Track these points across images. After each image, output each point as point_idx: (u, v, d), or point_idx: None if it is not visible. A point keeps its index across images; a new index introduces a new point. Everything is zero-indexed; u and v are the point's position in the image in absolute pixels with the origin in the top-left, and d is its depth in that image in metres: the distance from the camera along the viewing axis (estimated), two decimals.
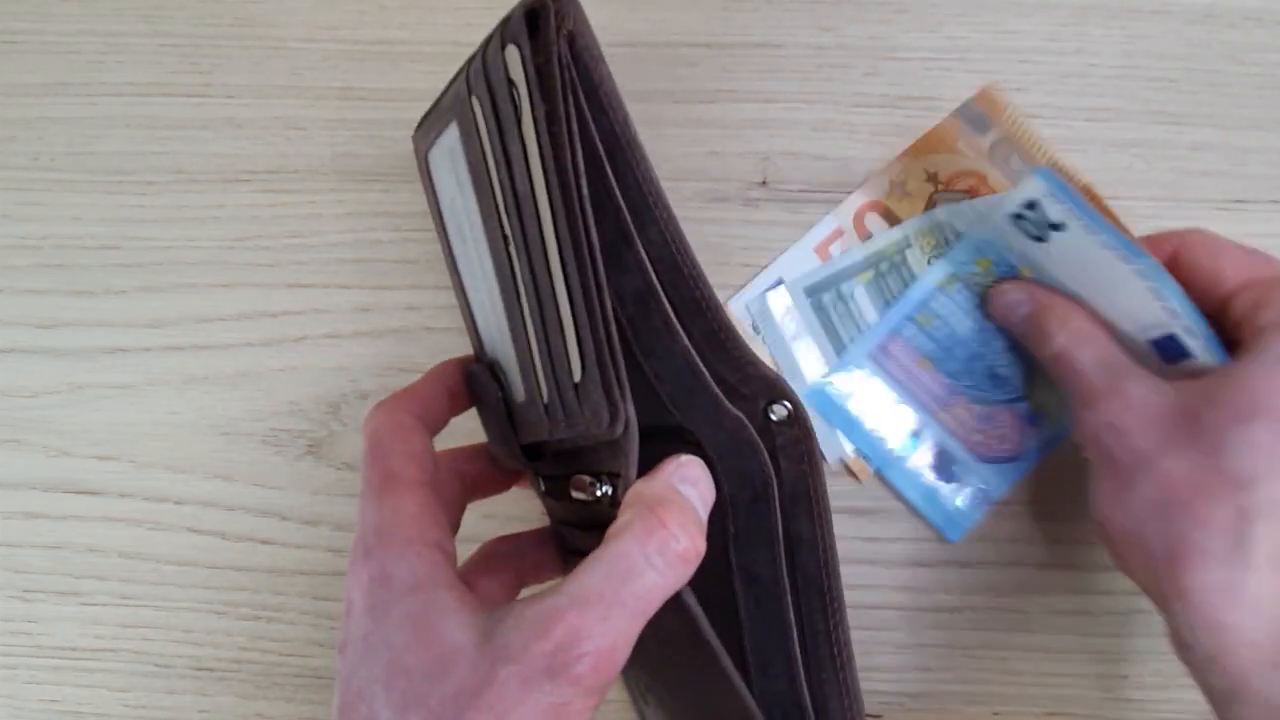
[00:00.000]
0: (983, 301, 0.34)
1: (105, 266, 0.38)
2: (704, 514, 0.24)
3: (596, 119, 0.24)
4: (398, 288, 0.38)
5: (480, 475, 0.30)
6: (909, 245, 0.35)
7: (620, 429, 0.22)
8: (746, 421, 0.27)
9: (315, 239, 0.38)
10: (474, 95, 0.24)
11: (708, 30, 0.37)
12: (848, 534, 0.37)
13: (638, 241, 0.25)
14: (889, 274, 0.36)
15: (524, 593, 0.30)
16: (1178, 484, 0.27)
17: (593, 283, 0.21)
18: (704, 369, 0.26)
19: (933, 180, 0.35)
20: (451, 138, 0.26)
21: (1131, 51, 0.37)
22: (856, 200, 0.36)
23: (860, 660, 0.37)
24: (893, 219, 0.36)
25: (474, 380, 0.28)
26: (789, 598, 0.29)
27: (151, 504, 0.38)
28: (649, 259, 0.25)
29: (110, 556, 0.38)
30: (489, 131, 0.23)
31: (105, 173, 0.39)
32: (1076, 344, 0.31)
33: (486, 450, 0.30)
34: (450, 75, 0.37)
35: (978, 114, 0.32)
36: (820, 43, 0.37)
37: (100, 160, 0.39)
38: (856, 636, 0.37)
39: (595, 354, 0.22)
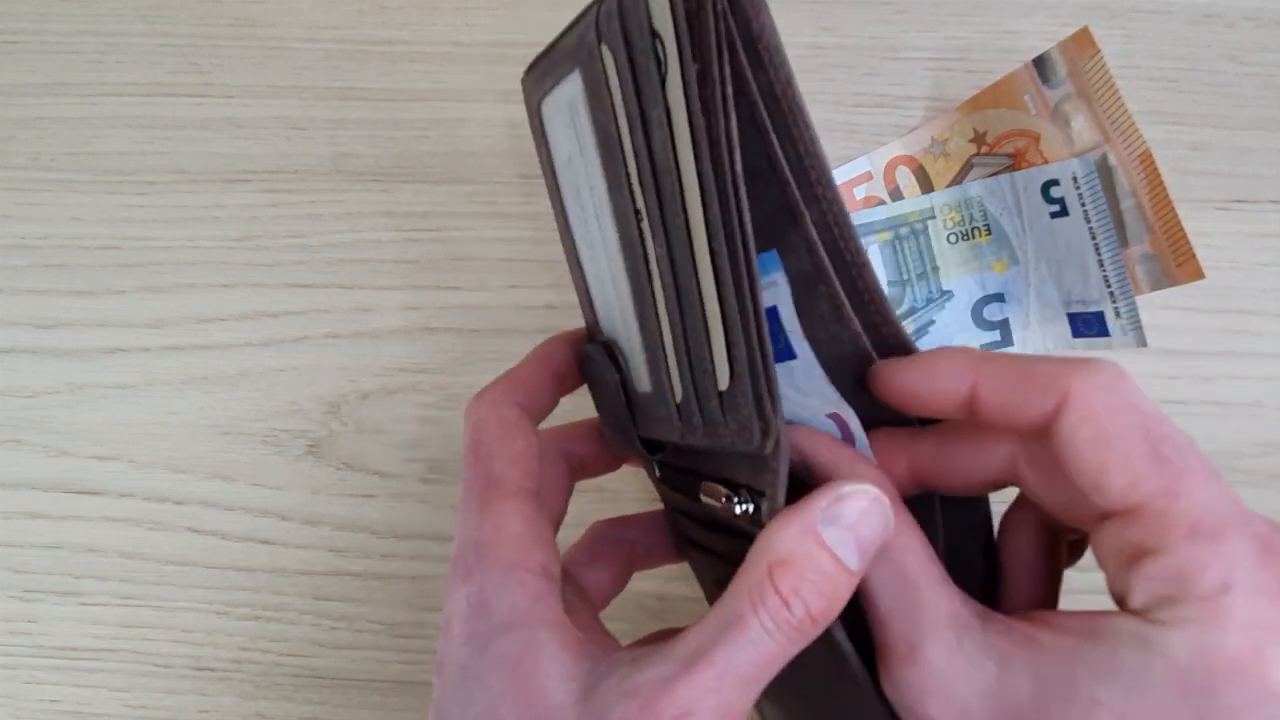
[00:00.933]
0: None
1: (105, 266, 0.38)
2: (858, 561, 0.20)
3: (755, 77, 0.20)
4: (398, 288, 0.38)
5: (590, 455, 0.28)
6: (933, 216, 0.34)
7: (770, 447, 0.19)
8: None
9: (315, 239, 0.38)
10: (604, 43, 0.20)
11: None
12: None
13: (807, 218, 0.21)
14: (906, 240, 0.35)
15: (633, 579, 0.29)
16: None
17: (747, 281, 0.18)
18: (876, 357, 0.22)
19: (978, 141, 0.33)
20: (573, 88, 0.22)
21: (1131, 51, 0.37)
22: (893, 149, 0.35)
23: None
24: (924, 179, 0.35)
25: (589, 362, 0.25)
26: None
27: (151, 504, 0.38)
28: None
29: (110, 556, 0.38)
30: (623, 88, 0.20)
31: (105, 173, 0.39)
32: (877, 568, 0.21)
33: (596, 428, 0.27)
34: (450, 74, 0.38)
35: (1054, 64, 0.29)
36: (820, 43, 0.37)
37: (100, 160, 0.39)
38: None
39: (748, 362, 0.19)
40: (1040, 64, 0.30)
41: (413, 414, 0.37)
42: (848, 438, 0.23)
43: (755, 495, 0.21)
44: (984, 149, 0.33)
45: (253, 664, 0.38)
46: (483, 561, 0.22)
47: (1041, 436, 0.20)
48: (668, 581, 0.37)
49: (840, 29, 0.37)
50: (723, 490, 0.22)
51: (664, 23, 0.18)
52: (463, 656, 0.21)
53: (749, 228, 0.18)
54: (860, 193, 0.35)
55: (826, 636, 0.20)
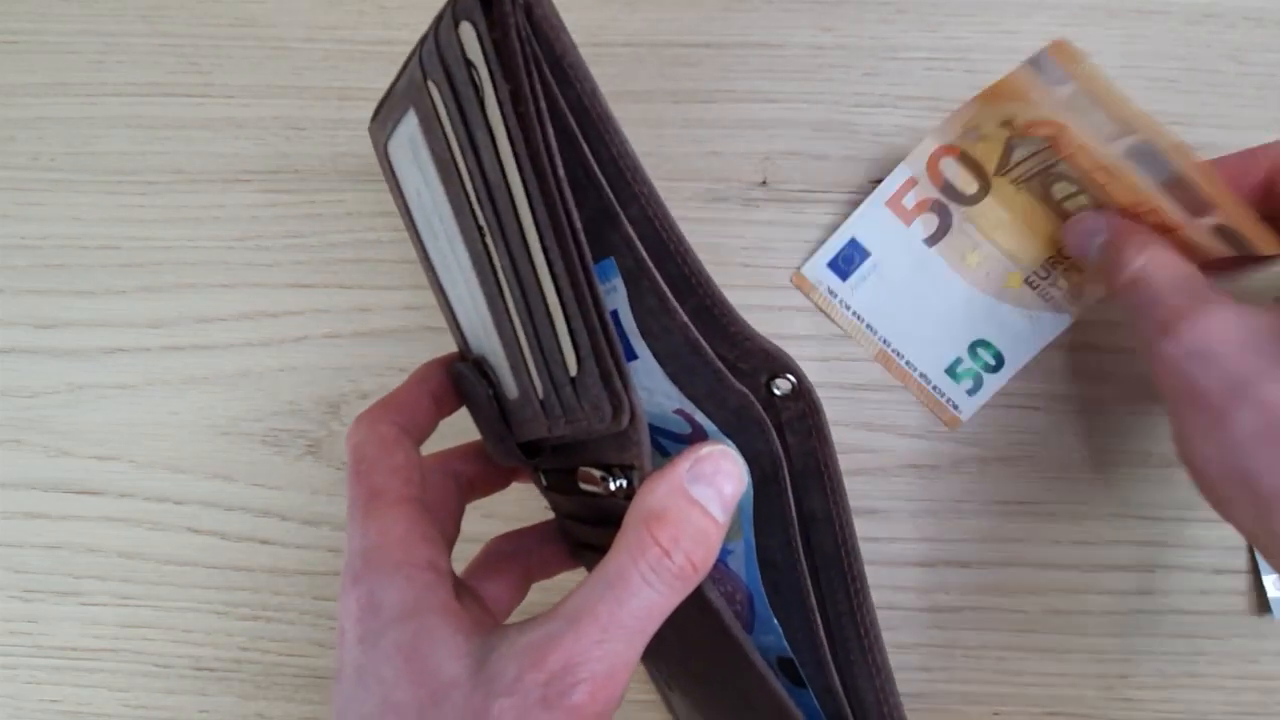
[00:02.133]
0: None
1: (105, 266, 0.38)
2: (722, 513, 0.22)
3: (563, 92, 0.22)
4: (398, 288, 0.38)
5: (477, 474, 0.29)
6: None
7: (625, 421, 0.20)
8: (752, 398, 0.25)
9: (315, 239, 0.38)
10: (430, 79, 0.23)
11: (708, 30, 0.37)
12: None
13: (623, 218, 0.23)
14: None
15: (532, 591, 0.30)
16: None
17: (579, 268, 0.20)
18: (705, 344, 0.24)
19: (1008, 125, 0.32)
20: (411, 126, 0.24)
21: (1131, 51, 0.37)
22: (928, 146, 0.34)
23: None
24: (971, 163, 0.34)
25: (461, 379, 0.27)
26: (808, 580, 0.27)
27: (151, 504, 0.38)
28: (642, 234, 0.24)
29: (110, 556, 0.38)
30: (450, 117, 0.22)
31: (105, 173, 0.39)
32: (1155, 267, 0.28)
33: (482, 448, 0.29)
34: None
35: (1051, 65, 0.29)
36: (820, 43, 0.37)
37: (100, 160, 0.39)
38: None
39: (590, 344, 0.20)
40: (1039, 63, 0.29)
41: None
42: (696, 431, 0.25)
43: (626, 471, 0.22)
44: (1017, 132, 0.32)
45: (253, 664, 0.38)
46: (369, 565, 0.23)
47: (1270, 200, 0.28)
48: None
49: (840, 29, 0.37)
50: (596, 473, 0.23)
51: (475, 52, 0.20)
52: (357, 655, 0.22)
53: (576, 223, 0.20)
54: (911, 200, 0.35)
55: (701, 600, 0.22)
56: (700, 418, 0.25)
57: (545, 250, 0.20)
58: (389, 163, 0.28)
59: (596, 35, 0.38)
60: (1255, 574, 0.35)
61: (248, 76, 0.38)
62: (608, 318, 0.20)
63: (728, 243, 0.37)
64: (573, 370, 0.21)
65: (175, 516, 0.38)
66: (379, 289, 0.38)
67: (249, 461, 0.38)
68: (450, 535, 0.28)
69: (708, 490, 0.22)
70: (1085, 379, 0.36)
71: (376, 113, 0.28)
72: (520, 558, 0.30)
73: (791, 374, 0.26)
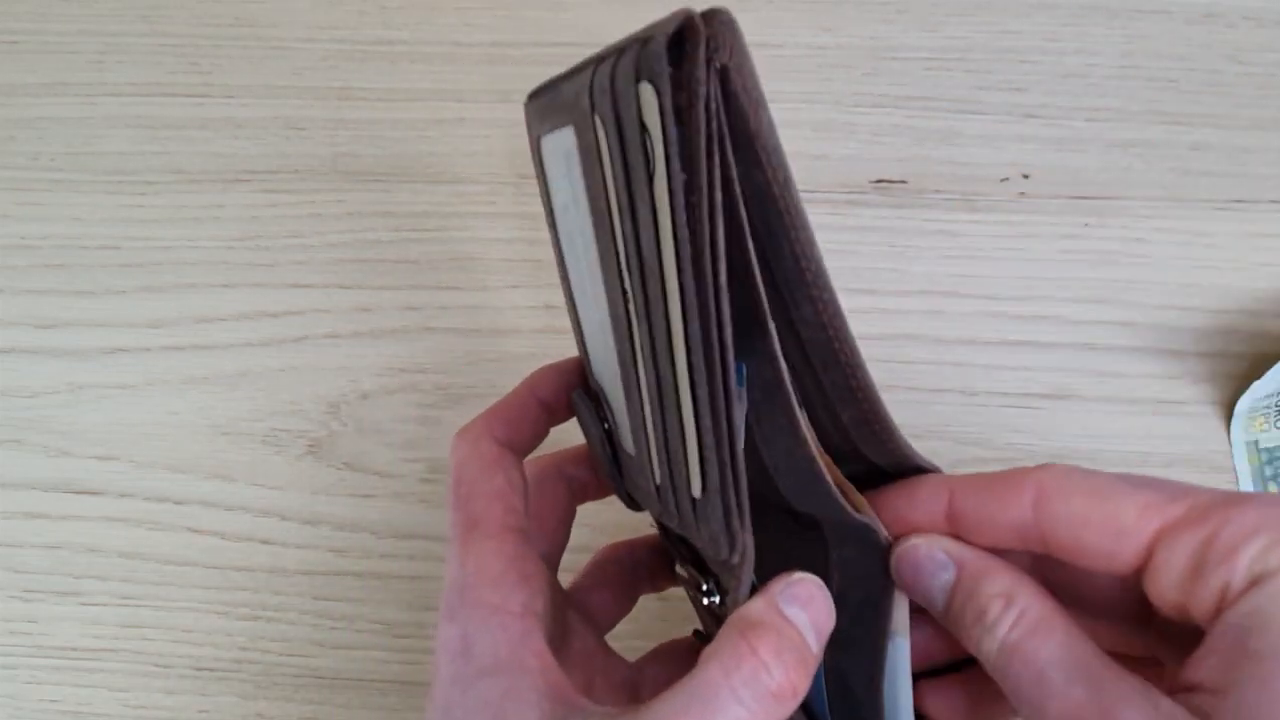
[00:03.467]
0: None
1: (105, 266, 0.38)
2: (815, 643, 0.20)
3: (749, 175, 0.19)
4: (398, 288, 0.38)
5: (590, 479, 0.28)
6: None
7: (736, 559, 0.19)
8: (875, 527, 0.22)
9: (315, 239, 0.38)
10: (598, 114, 0.19)
11: None
12: None
13: (772, 332, 0.20)
14: None
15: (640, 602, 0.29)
16: None
17: (723, 402, 0.18)
18: (827, 478, 0.22)
19: None
20: (568, 141, 0.22)
21: (1131, 51, 0.37)
22: None
23: None
24: None
25: (577, 407, 0.26)
26: None
27: (151, 504, 0.38)
28: (803, 339, 0.21)
29: (110, 556, 0.38)
30: (613, 171, 0.19)
31: (105, 173, 0.39)
32: (1033, 635, 0.20)
33: None
34: (450, 74, 0.38)
35: None
36: (820, 43, 0.37)
37: (100, 160, 0.39)
38: None
39: (719, 480, 0.18)
40: None
41: (413, 414, 0.37)
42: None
43: (721, 590, 0.21)
44: None
45: (253, 664, 0.38)
46: (465, 603, 0.22)
47: (1024, 540, 0.21)
48: None
49: (840, 29, 0.37)
50: (696, 575, 0.22)
51: (653, 120, 0.17)
52: (448, 696, 0.21)
53: (729, 345, 0.18)
54: None
55: None
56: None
57: (691, 368, 0.18)
58: (540, 157, 0.25)
59: (596, 35, 0.38)
60: None
61: (248, 76, 0.38)
62: (740, 455, 0.18)
63: None
64: (696, 494, 0.20)
65: (175, 516, 0.38)
66: (379, 289, 0.38)
67: (249, 461, 0.38)
68: (558, 542, 0.27)
69: (803, 615, 0.20)
70: (1085, 379, 0.36)
71: (537, 93, 0.25)
72: (630, 569, 0.28)
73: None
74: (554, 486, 0.27)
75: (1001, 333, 0.36)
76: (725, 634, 0.20)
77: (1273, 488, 0.35)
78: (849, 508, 0.22)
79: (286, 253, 0.38)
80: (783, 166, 0.19)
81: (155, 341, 0.38)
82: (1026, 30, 0.37)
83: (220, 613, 0.38)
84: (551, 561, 0.26)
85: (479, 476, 0.24)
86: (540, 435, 0.26)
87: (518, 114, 0.38)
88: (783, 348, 0.21)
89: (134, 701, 0.38)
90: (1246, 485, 0.35)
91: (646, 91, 0.17)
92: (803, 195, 0.37)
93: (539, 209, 0.37)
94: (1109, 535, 0.20)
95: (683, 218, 0.17)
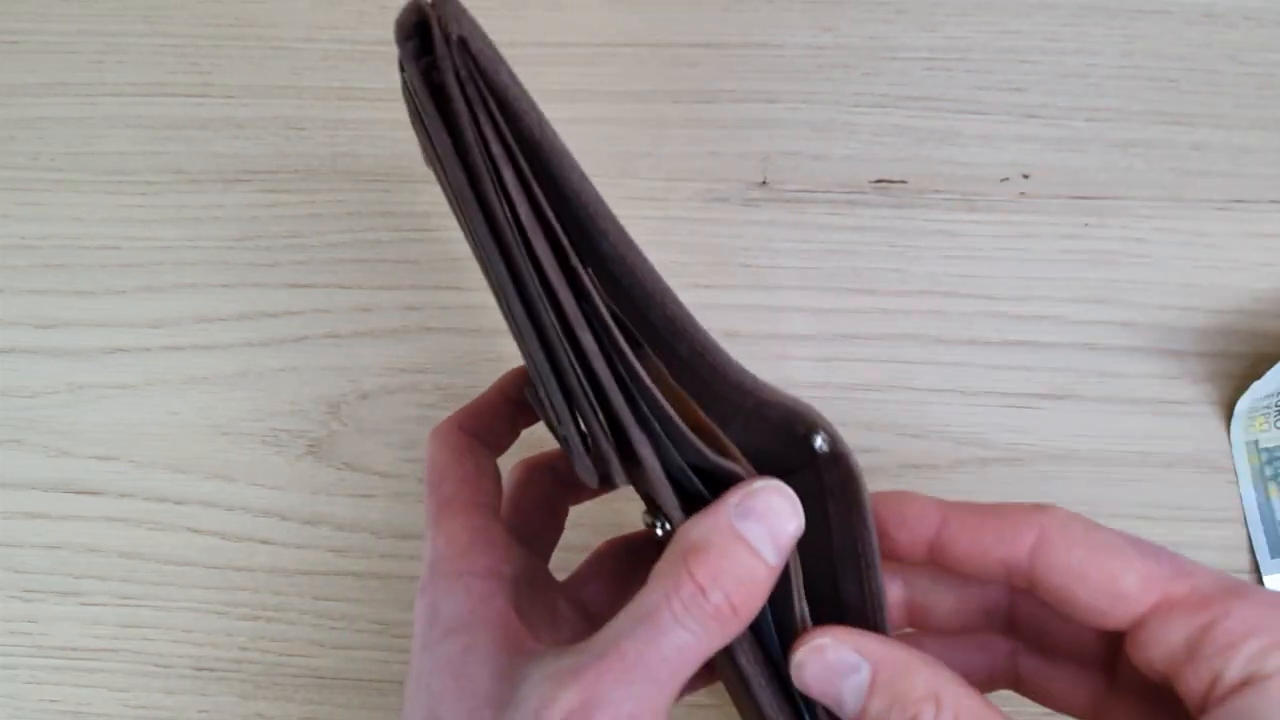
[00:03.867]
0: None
1: (105, 266, 0.38)
2: (776, 555, 0.20)
3: (515, 126, 0.19)
4: (398, 288, 0.38)
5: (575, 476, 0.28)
6: None
7: (616, 485, 0.19)
8: (741, 473, 0.21)
9: (315, 239, 0.38)
10: (412, 112, 0.21)
11: (708, 30, 0.37)
12: None
13: (579, 269, 0.20)
14: None
15: None
16: None
17: (552, 329, 0.18)
18: (668, 410, 0.20)
19: None
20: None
21: (1131, 51, 0.37)
22: None
23: None
24: None
25: (530, 402, 0.26)
26: None
27: (151, 504, 0.38)
28: (617, 277, 0.21)
29: (110, 556, 0.38)
30: (432, 161, 0.21)
31: (105, 173, 0.39)
32: None
33: None
34: None
35: None
36: (820, 43, 0.37)
37: (100, 160, 0.39)
38: None
39: (568, 408, 0.19)
40: None
41: (413, 414, 0.37)
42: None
43: (667, 515, 0.21)
44: None
45: (253, 664, 0.38)
46: (434, 574, 0.23)
47: (1010, 575, 0.21)
48: None
49: (840, 29, 0.37)
50: (648, 515, 0.22)
51: (426, 102, 0.19)
52: (419, 662, 0.22)
53: (548, 276, 0.18)
54: None
55: (744, 683, 0.20)
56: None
57: (514, 311, 0.19)
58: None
59: (596, 35, 0.38)
60: (1256, 574, 0.35)
61: (248, 76, 0.38)
62: (594, 369, 0.18)
63: (728, 243, 0.37)
64: (569, 428, 0.20)
65: (175, 516, 0.38)
66: (379, 289, 0.38)
67: (249, 461, 0.38)
68: (548, 536, 0.27)
69: (758, 528, 0.20)
70: (1085, 379, 0.36)
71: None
72: (625, 561, 0.28)
73: (826, 432, 0.22)
74: (540, 477, 0.28)
75: (1002, 333, 0.36)
76: (668, 554, 0.20)
77: (1273, 487, 0.35)
78: (706, 450, 0.20)
79: (286, 253, 0.38)
80: (534, 109, 0.20)
81: (155, 341, 0.38)
82: (1026, 30, 0.37)
83: (220, 613, 0.38)
84: (543, 554, 0.27)
85: (449, 463, 0.25)
86: (511, 432, 0.27)
87: None
88: (607, 290, 0.20)
89: (134, 701, 0.38)
90: (1246, 485, 0.35)
91: (414, 77, 0.19)
92: (803, 195, 0.37)
93: None
94: (1105, 595, 0.20)
95: (463, 177, 0.18)
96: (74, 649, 0.38)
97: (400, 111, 0.38)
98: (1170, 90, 0.37)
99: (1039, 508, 0.21)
